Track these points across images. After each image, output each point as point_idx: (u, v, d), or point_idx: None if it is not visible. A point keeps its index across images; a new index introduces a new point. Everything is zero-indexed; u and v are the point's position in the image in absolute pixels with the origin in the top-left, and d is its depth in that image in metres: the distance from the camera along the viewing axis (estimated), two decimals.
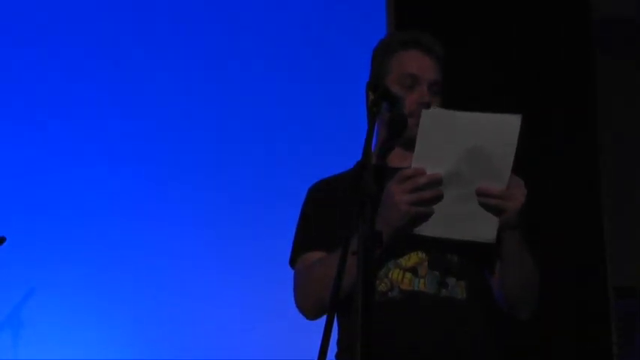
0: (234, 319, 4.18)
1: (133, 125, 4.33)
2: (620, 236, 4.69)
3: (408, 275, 2.41)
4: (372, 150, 2.16)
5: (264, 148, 4.37)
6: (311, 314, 2.47)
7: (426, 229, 2.27)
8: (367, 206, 2.04)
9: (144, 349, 4.12)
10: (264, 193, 4.30)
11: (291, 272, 2.56)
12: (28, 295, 4.07)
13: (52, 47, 4.36)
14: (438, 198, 2.25)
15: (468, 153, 2.22)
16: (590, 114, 4.69)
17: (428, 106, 2.45)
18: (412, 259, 2.43)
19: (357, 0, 4.60)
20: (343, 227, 2.28)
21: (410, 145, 2.34)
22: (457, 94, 2.65)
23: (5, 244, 3.45)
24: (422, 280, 2.41)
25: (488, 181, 2.23)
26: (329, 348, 1.99)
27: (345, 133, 4.18)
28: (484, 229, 2.26)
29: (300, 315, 2.51)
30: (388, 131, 2.43)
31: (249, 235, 4.26)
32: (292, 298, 2.53)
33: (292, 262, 2.57)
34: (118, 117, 4.33)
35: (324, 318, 2.07)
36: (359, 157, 2.38)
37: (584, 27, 4.73)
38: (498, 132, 2.21)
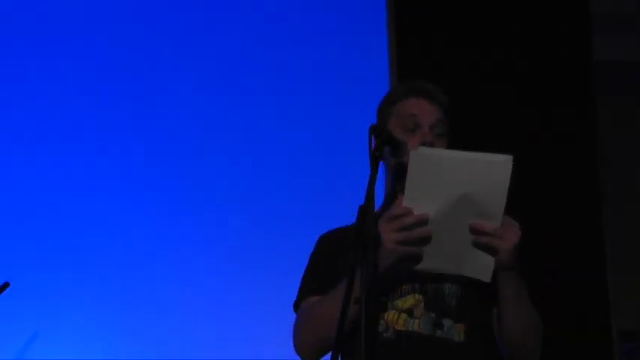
0: (236, 319, 4.17)
1: (134, 125, 4.34)
2: (623, 279, 4.70)
3: (404, 316, 2.42)
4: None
5: (265, 148, 4.37)
6: (308, 355, 2.48)
7: (422, 264, 2.29)
8: (369, 250, 2.07)
9: (144, 350, 4.11)
10: (266, 192, 4.31)
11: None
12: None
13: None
14: (426, 238, 2.26)
15: (459, 193, 2.23)
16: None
17: (431, 145, 2.46)
18: (409, 300, 2.43)
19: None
20: (342, 274, 2.32)
21: None
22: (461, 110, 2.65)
23: None
24: (417, 321, 2.42)
25: (481, 220, 2.24)
26: None
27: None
28: (479, 267, 2.27)
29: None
30: (392, 177, 2.46)
31: (251, 234, 4.26)
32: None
33: (296, 307, 2.58)
34: (120, 117, 4.34)
35: None
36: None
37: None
38: (490, 173, 2.22)
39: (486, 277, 2.27)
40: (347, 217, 2.50)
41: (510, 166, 2.21)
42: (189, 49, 4.44)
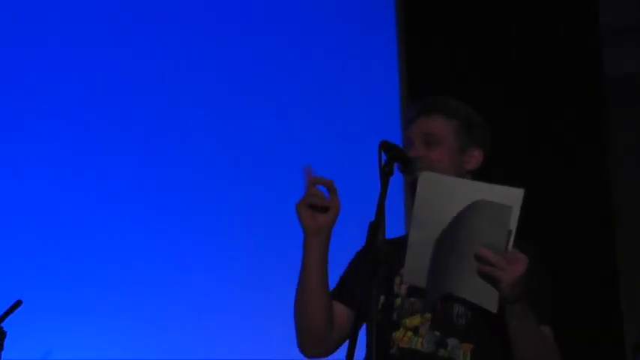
0: (236, 319, 4.17)
1: (136, 126, 4.35)
2: (635, 291, 4.69)
3: (409, 334, 2.44)
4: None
5: (266, 149, 4.37)
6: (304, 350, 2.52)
7: (435, 287, 2.28)
8: (381, 266, 2.08)
9: (144, 350, 4.12)
10: (268, 191, 4.31)
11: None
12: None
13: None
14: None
15: (463, 221, 2.21)
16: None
17: (421, 159, 2.46)
18: (416, 319, 2.45)
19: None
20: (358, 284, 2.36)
21: None
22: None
23: None
24: (420, 340, 2.43)
25: (488, 248, 2.19)
26: None
27: None
28: (486, 296, 2.23)
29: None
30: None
31: (251, 234, 4.27)
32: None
33: None
34: (123, 118, 4.36)
35: None
36: None
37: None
38: (498, 204, 2.18)
39: (493, 307, 2.23)
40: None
41: (520, 199, 2.19)
42: (194, 50, 4.44)
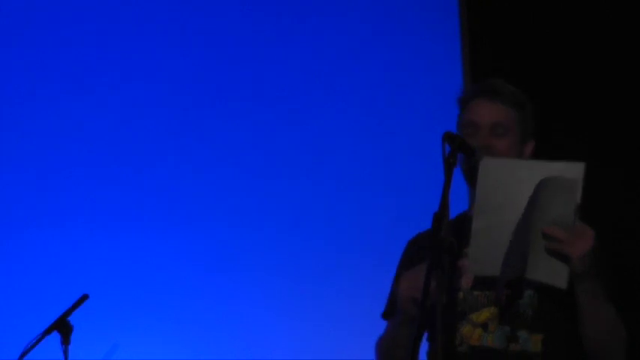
0: (236, 318, 4.18)
1: (137, 126, 4.36)
2: None
3: (478, 330, 2.42)
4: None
5: (267, 149, 4.37)
6: None
7: (499, 272, 2.27)
8: (444, 257, 2.06)
9: (144, 349, 4.14)
10: (274, 189, 4.31)
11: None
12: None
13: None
14: None
15: (529, 200, 2.21)
16: None
17: (488, 147, 2.45)
18: (484, 314, 2.43)
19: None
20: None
21: None
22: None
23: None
24: (490, 336, 2.41)
25: (555, 225, 2.20)
26: None
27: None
28: (555, 273, 2.23)
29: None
30: (466, 182, 2.45)
31: (250, 233, 4.27)
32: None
33: (385, 316, 2.62)
34: (119, 118, 4.36)
35: None
36: None
37: None
38: (561, 180, 2.19)
39: (562, 284, 2.23)
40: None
41: (582, 173, 2.19)
42: (205, 49, 4.43)
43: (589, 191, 2.22)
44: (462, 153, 2.30)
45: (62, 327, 3.45)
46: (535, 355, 2.40)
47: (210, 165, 4.33)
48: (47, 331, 3.49)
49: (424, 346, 2.17)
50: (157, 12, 4.43)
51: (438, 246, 2.07)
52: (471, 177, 2.37)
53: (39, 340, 3.47)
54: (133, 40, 4.42)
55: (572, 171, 2.20)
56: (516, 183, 2.22)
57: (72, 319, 3.49)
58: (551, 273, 2.23)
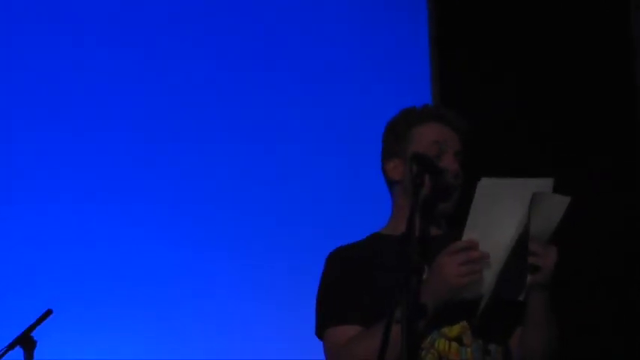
0: (235, 318, 4.18)
1: (134, 122, 4.35)
2: None
3: (454, 345, 2.43)
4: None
5: (265, 149, 4.38)
6: None
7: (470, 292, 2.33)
8: (412, 278, 2.07)
9: (144, 349, 4.12)
10: (269, 192, 4.33)
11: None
12: None
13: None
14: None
15: (516, 219, 2.28)
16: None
17: (456, 174, 2.51)
18: (456, 328, 2.44)
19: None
20: (376, 300, 2.38)
21: (441, 216, 2.51)
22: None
23: None
24: (468, 350, 2.43)
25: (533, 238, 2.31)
26: None
27: None
28: (516, 288, 2.34)
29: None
30: (427, 202, 2.46)
31: (250, 233, 4.28)
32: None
33: (321, 334, 2.56)
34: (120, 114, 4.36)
35: None
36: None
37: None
38: (549, 201, 2.28)
39: (522, 297, 2.34)
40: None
41: (551, 188, 2.29)
42: (198, 48, 4.44)
43: None
44: (429, 173, 2.32)
45: (25, 342, 3.42)
46: None
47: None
48: (10, 346, 3.44)
49: None
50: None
51: (407, 267, 2.08)
52: (439, 197, 2.40)
53: (1, 356, 3.43)
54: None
55: (544, 186, 2.29)
56: (505, 204, 2.28)
57: (35, 334, 3.46)
58: (513, 288, 2.33)
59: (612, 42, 4.70)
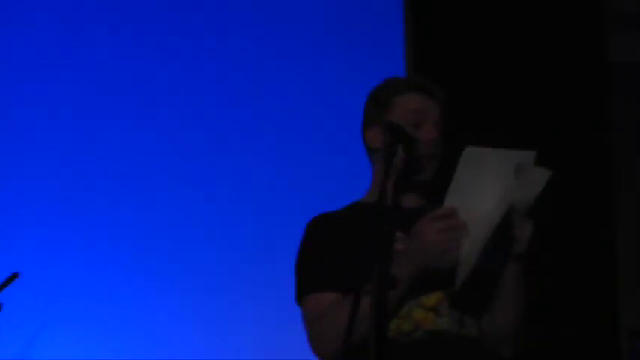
0: (235, 318, 4.16)
1: (134, 122, 4.32)
2: (633, 276, 4.69)
3: (431, 314, 2.42)
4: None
5: (262, 146, 4.35)
6: (332, 357, 2.44)
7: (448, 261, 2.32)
8: (384, 248, 2.07)
9: (143, 349, 4.11)
10: (261, 187, 4.29)
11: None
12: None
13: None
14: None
15: (497, 190, 2.28)
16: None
17: (437, 143, 2.50)
18: (433, 298, 2.43)
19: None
20: (353, 268, 2.34)
21: (420, 187, 2.49)
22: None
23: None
24: (445, 319, 2.42)
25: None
26: None
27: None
28: (494, 259, 2.34)
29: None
30: (403, 172, 2.45)
31: (250, 232, 4.25)
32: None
33: (300, 300, 2.54)
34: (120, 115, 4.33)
35: None
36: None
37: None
38: (531, 172, 2.28)
39: (498, 267, 2.36)
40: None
41: (532, 161, 2.29)
42: (194, 48, 4.41)
43: None
44: (402, 143, 2.31)
45: None
46: (477, 340, 2.45)
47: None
48: None
49: None
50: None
51: (379, 236, 2.07)
52: (410, 169, 2.40)
53: None
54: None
55: (526, 158, 2.29)
56: (488, 173, 2.28)
57: (1, 297, 3.44)
58: (490, 259, 2.31)
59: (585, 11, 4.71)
